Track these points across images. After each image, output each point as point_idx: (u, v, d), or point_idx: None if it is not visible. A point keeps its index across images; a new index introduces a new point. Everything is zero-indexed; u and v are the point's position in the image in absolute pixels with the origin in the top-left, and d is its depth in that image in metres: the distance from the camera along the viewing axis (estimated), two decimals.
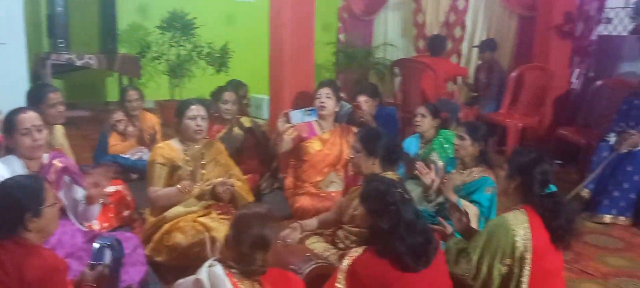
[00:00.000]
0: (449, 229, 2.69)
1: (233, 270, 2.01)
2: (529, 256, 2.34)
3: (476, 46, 6.93)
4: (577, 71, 6.02)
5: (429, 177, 3.19)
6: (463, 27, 7.42)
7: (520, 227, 2.35)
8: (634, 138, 4.25)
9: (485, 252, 2.41)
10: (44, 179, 2.17)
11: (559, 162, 5.58)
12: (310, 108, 3.83)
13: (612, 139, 4.42)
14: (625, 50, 5.79)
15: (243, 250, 2.02)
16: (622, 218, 4.24)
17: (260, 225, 2.03)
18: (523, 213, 2.39)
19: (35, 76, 6.49)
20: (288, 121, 3.69)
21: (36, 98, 3.43)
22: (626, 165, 4.23)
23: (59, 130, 3.61)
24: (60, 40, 6.81)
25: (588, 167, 4.54)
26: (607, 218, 4.25)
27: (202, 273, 1.99)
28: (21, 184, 2.06)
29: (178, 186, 3.18)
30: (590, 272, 3.43)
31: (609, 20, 6.04)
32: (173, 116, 3.43)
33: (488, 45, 6.56)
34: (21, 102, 3.61)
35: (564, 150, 5.59)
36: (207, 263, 2.03)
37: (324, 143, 4.02)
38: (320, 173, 4.00)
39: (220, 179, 3.25)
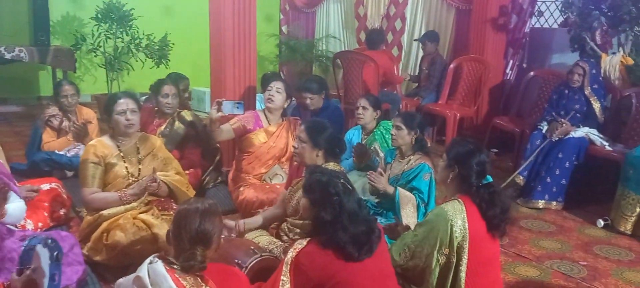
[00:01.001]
0: (402, 226, 2.77)
1: (175, 267, 1.97)
2: (466, 245, 2.40)
3: (417, 39, 7.04)
4: (511, 62, 6.24)
5: (381, 184, 3.25)
6: (403, 19, 7.55)
7: (458, 217, 2.41)
8: (564, 127, 4.46)
9: (425, 242, 2.47)
10: None
11: (495, 150, 5.80)
12: (239, 101, 3.80)
13: (544, 127, 4.62)
14: (556, 42, 6.06)
15: (183, 246, 1.99)
16: (554, 203, 4.45)
17: (200, 220, 2.00)
18: (460, 203, 2.46)
19: None
20: (220, 109, 3.66)
21: None
22: (557, 152, 4.44)
23: None
24: None
25: (522, 155, 4.74)
26: (541, 203, 4.45)
27: (143, 270, 1.95)
28: None
29: (119, 194, 3.09)
30: (524, 255, 3.59)
31: (540, 13, 6.29)
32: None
33: (429, 38, 6.66)
34: None
35: (500, 139, 5.81)
36: (147, 261, 1.98)
37: (270, 135, 4.01)
38: (265, 165, 3.99)
39: (146, 177, 3.14)
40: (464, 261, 2.40)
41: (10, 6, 7.31)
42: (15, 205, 2.71)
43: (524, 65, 6.31)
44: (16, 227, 2.74)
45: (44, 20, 7.19)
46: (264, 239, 2.93)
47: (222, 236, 2.83)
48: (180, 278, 1.94)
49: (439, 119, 6.26)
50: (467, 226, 2.40)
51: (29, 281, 2.21)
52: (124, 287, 2.01)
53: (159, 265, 1.94)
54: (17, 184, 2.96)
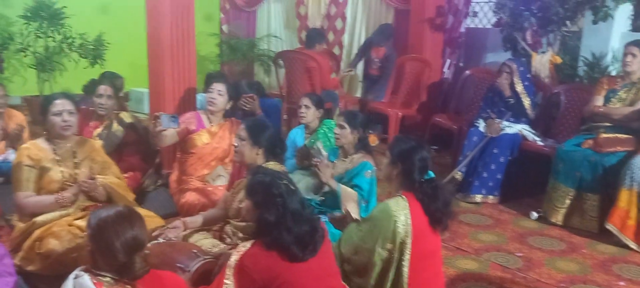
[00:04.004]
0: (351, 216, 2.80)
1: (104, 279, 1.88)
2: (409, 241, 2.45)
3: (371, 37, 6.82)
4: (448, 61, 6.41)
5: (325, 175, 3.25)
6: (343, 19, 7.62)
7: (401, 213, 2.45)
8: (497, 124, 4.62)
9: (368, 237, 2.50)
10: None
11: (435, 147, 5.94)
12: (174, 115, 3.76)
13: (481, 124, 4.77)
14: (490, 41, 6.28)
15: (120, 259, 1.87)
16: (491, 197, 4.60)
17: (128, 227, 1.90)
18: (404, 199, 2.50)
19: None
20: (159, 123, 3.60)
21: None
22: (492, 148, 4.59)
23: None
24: None
25: (460, 151, 4.86)
26: (478, 198, 4.60)
27: (68, 286, 1.86)
28: None
29: (56, 196, 2.96)
30: (464, 249, 3.70)
31: (475, 14, 6.50)
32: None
33: (383, 32, 6.51)
34: None
35: (439, 136, 5.95)
36: (72, 275, 1.89)
37: (213, 136, 3.96)
38: (208, 166, 3.93)
39: (83, 178, 3.04)
40: (407, 256, 2.45)
41: None
42: None
43: (461, 64, 6.49)
44: None
45: None
46: (207, 242, 2.88)
47: (163, 240, 2.80)
48: None
49: (381, 117, 6.34)
50: (410, 222, 2.44)
51: None
52: None
53: (85, 279, 1.86)
54: None
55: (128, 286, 1.91)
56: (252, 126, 2.99)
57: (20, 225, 3.02)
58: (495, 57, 6.08)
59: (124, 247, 1.87)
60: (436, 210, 2.51)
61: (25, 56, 6.85)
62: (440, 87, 6.43)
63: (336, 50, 7.66)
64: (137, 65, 7.13)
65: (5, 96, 4.56)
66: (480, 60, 6.39)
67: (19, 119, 4.65)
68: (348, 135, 3.42)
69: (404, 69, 6.27)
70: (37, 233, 2.91)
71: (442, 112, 6.09)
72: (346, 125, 3.40)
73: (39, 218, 2.95)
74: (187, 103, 4.52)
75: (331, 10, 7.72)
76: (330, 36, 7.75)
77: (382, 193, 3.61)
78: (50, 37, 6.66)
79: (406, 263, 2.45)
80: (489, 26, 6.52)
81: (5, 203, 3.56)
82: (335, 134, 3.46)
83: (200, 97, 4.83)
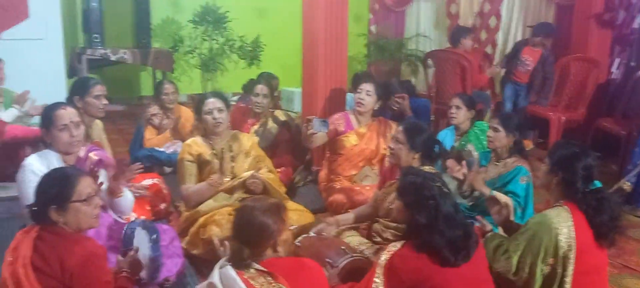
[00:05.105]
0: (489, 227, 2.65)
1: (247, 270, 1.99)
2: (572, 255, 2.27)
3: (530, 26, 6.30)
4: (617, 60, 5.84)
5: (461, 172, 3.11)
6: (498, 17, 7.26)
7: (564, 225, 2.28)
8: None
9: (527, 251, 2.35)
10: (81, 175, 2.17)
11: (598, 154, 5.43)
12: (324, 119, 3.85)
13: None
14: None
15: (232, 243, 2.07)
16: None
17: (240, 218, 2.05)
18: (566, 210, 2.32)
19: (72, 71, 6.60)
20: (311, 126, 3.71)
21: (82, 89, 3.42)
22: None
23: (98, 124, 3.65)
24: (95, 35, 6.87)
25: (628, 159, 4.41)
26: None
27: (214, 276, 1.98)
28: (51, 177, 2.11)
29: (207, 180, 3.21)
30: (633, 267, 3.34)
31: None
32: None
33: (542, 29, 5.92)
34: (59, 96, 3.68)
35: (603, 142, 5.44)
36: (218, 265, 2.01)
37: (361, 137, 4.00)
38: (356, 167, 3.98)
39: (249, 173, 3.24)
40: (570, 271, 2.27)
41: (115, 11, 7.76)
42: (128, 196, 2.87)
43: (632, 64, 5.87)
44: (122, 218, 2.90)
45: (145, 24, 7.58)
46: (355, 240, 2.92)
47: (312, 234, 2.88)
48: (249, 279, 1.95)
49: (538, 121, 5.93)
50: (574, 235, 2.26)
51: (134, 261, 2.35)
52: None
53: (229, 269, 1.98)
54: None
55: (268, 276, 1.98)
56: (410, 129, 2.95)
57: (186, 213, 3.30)
58: None
59: (234, 233, 2.07)
60: (602, 224, 2.31)
61: (192, 57, 7.50)
62: (606, 89, 5.87)
63: (489, 50, 7.34)
64: (288, 66, 7.48)
65: (175, 93, 5.01)
66: None
67: (187, 114, 5.08)
68: (502, 139, 3.25)
69: (569, 69, 5.81)
70: (200, 220, 3.16)
71: (608, 116, 5.56)
72: (501, 128, 3.24)
73: (203, 207, 3.20)
74: (337, 102, 4.61)
75: (485, 8, 7.40)
76: (483, 35, 7.44)
77: (537, 201, 3.38)
78: (214, 39, 7.21)
79: (569, 280, 2.27)
80: None
81: (174, 191, 3.91)
82: (489, 136, 3.32)
83: (348, 96, 4.91)
